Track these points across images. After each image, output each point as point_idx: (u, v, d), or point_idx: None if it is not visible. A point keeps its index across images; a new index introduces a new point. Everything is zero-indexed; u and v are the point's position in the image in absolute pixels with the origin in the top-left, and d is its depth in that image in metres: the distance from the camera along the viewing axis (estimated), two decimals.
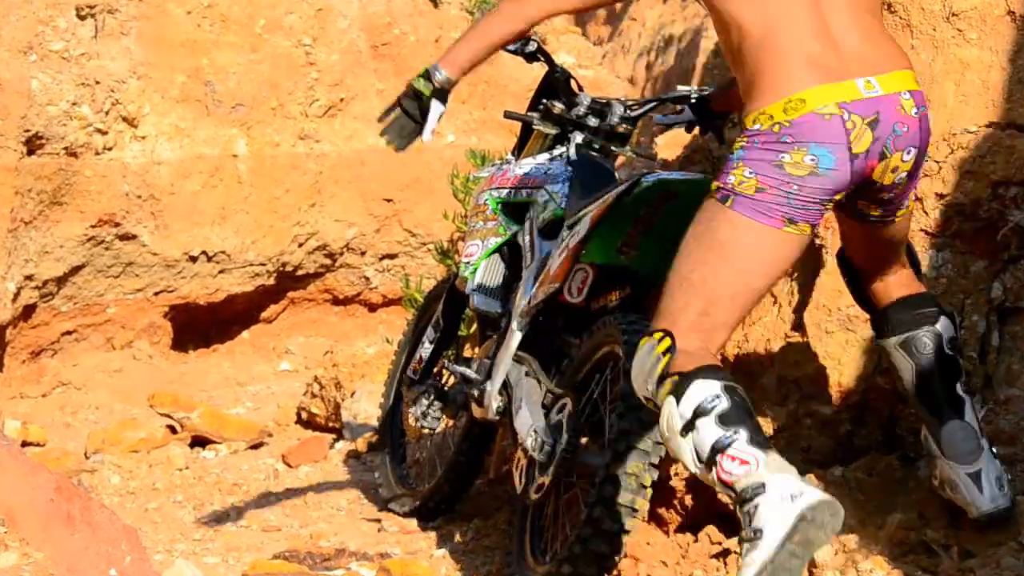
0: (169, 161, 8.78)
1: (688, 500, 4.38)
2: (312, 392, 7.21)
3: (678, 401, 3.33)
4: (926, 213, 4.14)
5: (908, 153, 3.44)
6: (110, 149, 8.51)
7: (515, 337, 4.46)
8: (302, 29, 9.48)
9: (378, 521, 5.39)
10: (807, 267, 4.35)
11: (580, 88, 4.93)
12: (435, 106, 3.96)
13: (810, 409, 4.21)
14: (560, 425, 4.17)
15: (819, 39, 3.42)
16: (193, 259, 8.96)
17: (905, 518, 3.78)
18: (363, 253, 9.66)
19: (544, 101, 4.85)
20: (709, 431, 3.28)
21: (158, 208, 8.72)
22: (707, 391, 3.31)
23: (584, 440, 4.19)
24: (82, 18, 8.40)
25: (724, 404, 3.30)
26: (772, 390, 4.27)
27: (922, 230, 4.13)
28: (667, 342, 3.40)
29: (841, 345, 4.18)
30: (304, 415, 7.21)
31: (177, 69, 8.84)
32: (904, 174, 3.48)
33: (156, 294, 8.93)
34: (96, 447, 6.63)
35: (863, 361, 4.14)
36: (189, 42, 8.92)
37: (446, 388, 5.13)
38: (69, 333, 8.61)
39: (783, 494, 3.19)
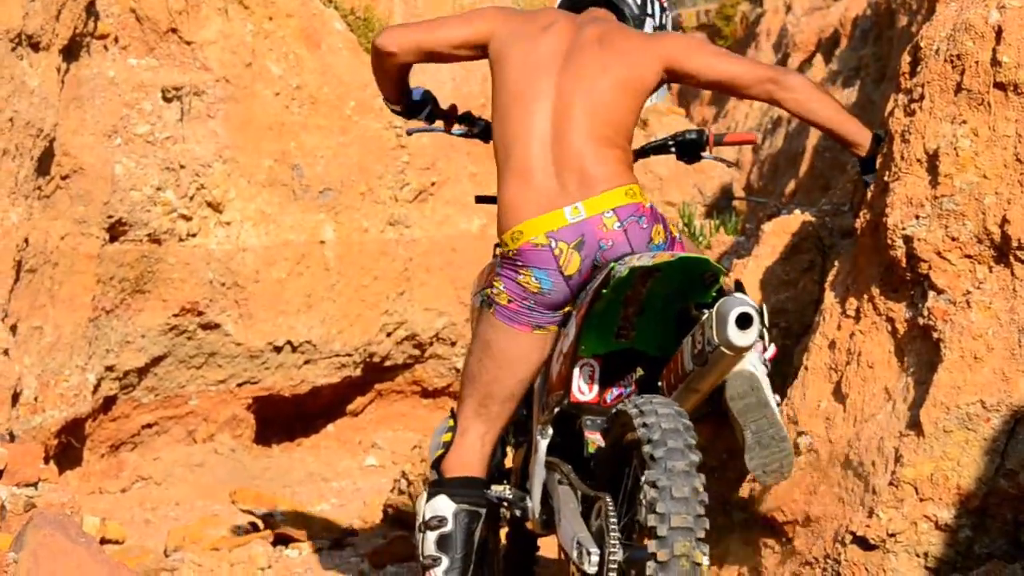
0: (254, 248, 8.88)
1: None
2: (400, 488, 7.23)
3: (426, 501, 4.50)
4: None
5: (647, 255, 4.16)
6: (194, 235, 8.62)
7: (541, 447, 4.55)
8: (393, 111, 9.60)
9: None
10: (923, 362, 4.33)
11: None
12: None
13: (927, 513, 4.17)
14: (601, 530, 4.16)
15: (540, 169, 4.31)
16: (278, 349, 9.03)
17: None
18: (454, 343, 9.71)
19: None
20: (428, 545, 4.45)
21: (242, 296, 8.81)
22: (443, 510, 4.46)
23: (632, 535, 4.18)
24: (168, 100, 8.55)
25: (447, 528, 4.45)
26: (886, 492, 4.24)
27: None
28: (450, 435, 4.55)
29: (960, 445, 4.14)
30: (391, 512, 7.23)
31: (264, 152, 8.96)
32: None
33: (239, 385, 9.01)
34: (176, 544, 6.69)
35: (984, 462, 4.10)
36: (277, 124, 9.04)
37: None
38: (150, 426, 8.70)
39: None
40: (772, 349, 4.35)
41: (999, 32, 4.24)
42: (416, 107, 4.96)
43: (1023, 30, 4.19)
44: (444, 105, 5.07)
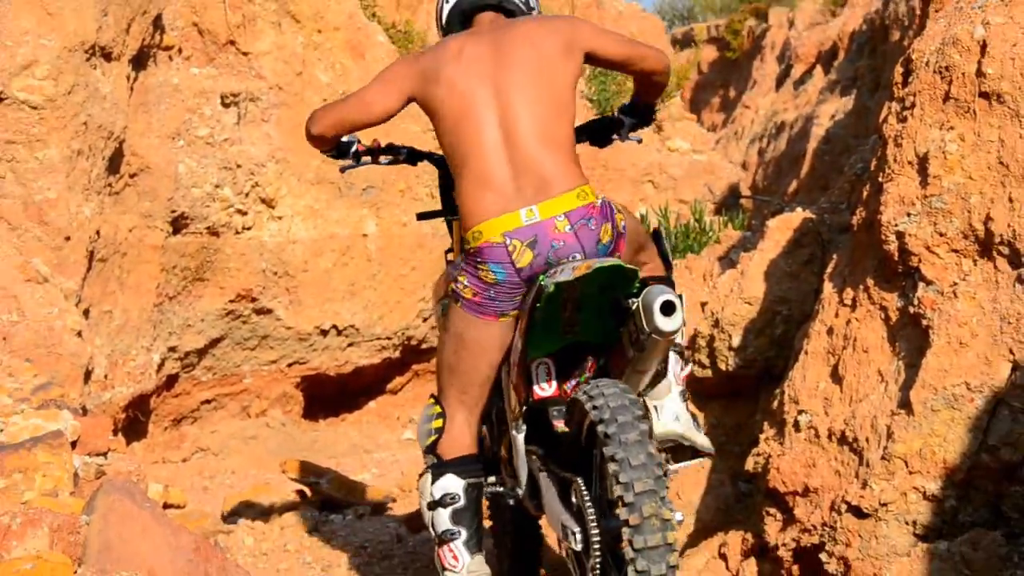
0: (303, 240, 8.90)
1: (795, 570, 4.36)
2: None
3: (432, 482, 4.54)
4: None
5: (574, 258, 4.28)
6: (249, 228, 8.64)
7: (518, 441, 4.56)
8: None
9: None
10: (913, 347, 4.32)
11: None
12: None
13: (916, 485, 4.17)
14: (579, 509, 4.20)
15: (497, 175, 4.34)
16: (324, 333, 9.05)
17: None
18: None
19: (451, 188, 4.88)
20: (443, 521, 4.49)
21: (292, 284, 8.83)
22: (452, 487, 4.51)
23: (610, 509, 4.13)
24: (226, 106, 8.56)
25: (460, 503, 4.51)
26: (879, 466, 4.24)
27: None
28: (440, 421, 4.57)
29: (947, 423, 4.14)
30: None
31: (313, 153, 8.96)
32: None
33: (289, 365, 9.03)
34: (232, 510, 6.72)
35: (968, 439, 4.10)
36: None
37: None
38: (208, 402, 8.72)
39: None
40: (688, 368, 4.47)
41: (984, 46, 4.23)
42: (343, 148, 4.89)
43: (1006, 44, 4.18)
44: (367, 141, 5.02)
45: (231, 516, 6.64)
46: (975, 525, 4.08)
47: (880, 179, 4.50)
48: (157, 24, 8.01)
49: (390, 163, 5.04)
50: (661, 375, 4.45)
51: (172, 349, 8.25)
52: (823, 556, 4.32)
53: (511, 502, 4.82)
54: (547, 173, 4.34)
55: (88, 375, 6.19)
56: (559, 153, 4.38)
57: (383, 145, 5.06)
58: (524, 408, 4.50)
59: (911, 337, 4.36)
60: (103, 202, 7.17)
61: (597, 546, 4.10)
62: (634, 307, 4.20)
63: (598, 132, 5.09)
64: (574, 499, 4.26)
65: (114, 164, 7.32)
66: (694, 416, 4.42)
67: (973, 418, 4.08)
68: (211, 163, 8.31)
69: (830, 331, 4.70)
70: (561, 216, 4.30)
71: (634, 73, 4.75)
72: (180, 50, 8.51)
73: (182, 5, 8.53)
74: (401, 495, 7.21)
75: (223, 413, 8.80)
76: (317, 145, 4.74)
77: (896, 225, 4.36)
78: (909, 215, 4.34)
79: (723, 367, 5.62)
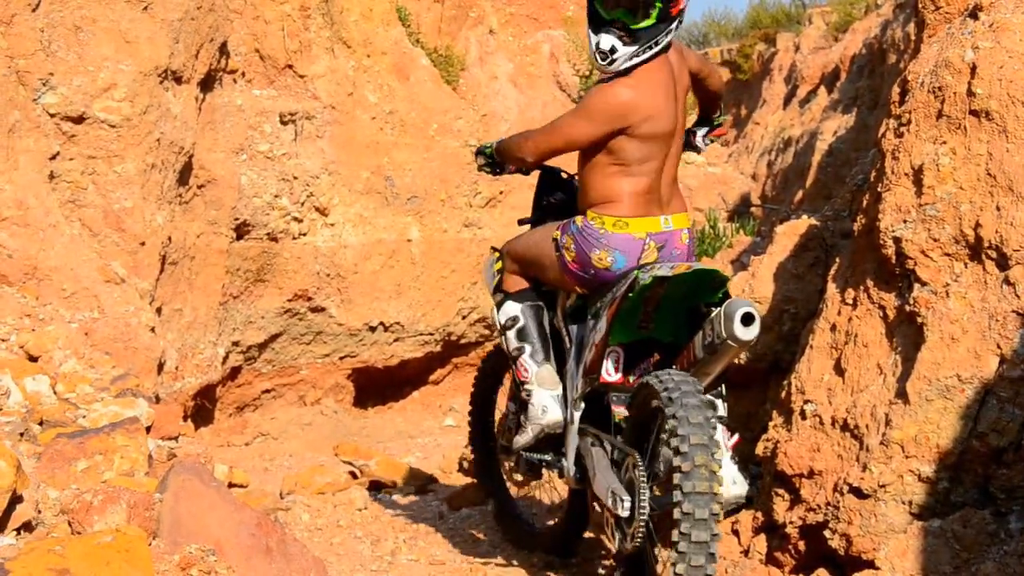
0: (354, 245, 8.92)
1: (801, 545, 4.34)
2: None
3: (498, 310, 4.90)
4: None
5: (667, 265, 4.43)
6: (304, 235, 8.67)
7: (575, 418, 4.67)
8: (469, 132, 9.61)
9: (534, 557, 5.41)
10: (909, 342, 4.30)
11: (570, 175, 5.06)
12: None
13: (912, 468, 4.15)
14: (632, 481, 4.25)
15: (653, 184, 4.55)
16: (372, 329, 9.06)
17: (996, 566, 3.71)
18: None
19: (546, 198, 5.12)
20: (511, 340, 4.82)
21: (344, 285, 8.85)
22: (512, 311, 4.85)
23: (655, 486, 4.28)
24: (284, 124, 8.60)
25: (521, 323, 4.82)
26: (877, 451, 4.22)
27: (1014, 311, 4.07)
28: (500, 264, 4.97)
29: (940, 411, 4.12)
30: (465, 464, 7.25)
31: (362, 166, 9.00)
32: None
33: (341, 359, 9.05)
34: (290, 489, 6.72)
35: (959, 426, 4.08)
36: (373, 143, 9.08)
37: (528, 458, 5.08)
38: (268, 391, 8.75)
39: (539, 407, 4.74)
40: (735, 438, 4.52)
41: (974, 68, 4.21)
42: (499, 164, 5.04)
43: (993, 67, 4.16)
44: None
45: (289, 495, 6.64)
46: (966, 504, 4.06)
47: (879, 189, 4.48)
48: (223, 50, 8.05)
49: (519, 172, 5.11)
50: (719, 382, 4.49)
51: (236, 343, 8.28)
52: (827, 533, 4.30)
53: (555, 470, 4.87)
54: (677, 192, 4.72)
55: (161, 367, 6.23)
56: (678, 185, 4.77)
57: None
58: (589, 388, 4.58)
59: (907, 333, 4.34)
60: (174, 211, 7.21)
61: (644, 514, 4.16)
62: (714, 314, 4.23)
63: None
64: (626, 472, 4.30)
65: (184, 177, 7.36)
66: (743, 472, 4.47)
67: (964, 407, 4.06)
68: (271, 175, 8.34)
69: (833, 328, 4.69)
70: (685, 230, 4.65)
71: (711, 98, 5.08)
72: (243, 73, 8.55)
73: (245, 33, 8.57)
74: (443, 476, 7.22)
75: (281, 401, 8.83)
76: (521, 166, 4.95)
77: (894, 231, 4.35)
78: (905, 222, 4.32)
79: (735, 360, 5.60)
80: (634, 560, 4.34)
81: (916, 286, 4.29)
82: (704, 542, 3.87)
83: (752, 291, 5.59)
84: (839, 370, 4.59)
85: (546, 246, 4.72)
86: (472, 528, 6.00)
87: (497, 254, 5.05)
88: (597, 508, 4.59)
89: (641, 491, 4.17)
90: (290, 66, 8.80)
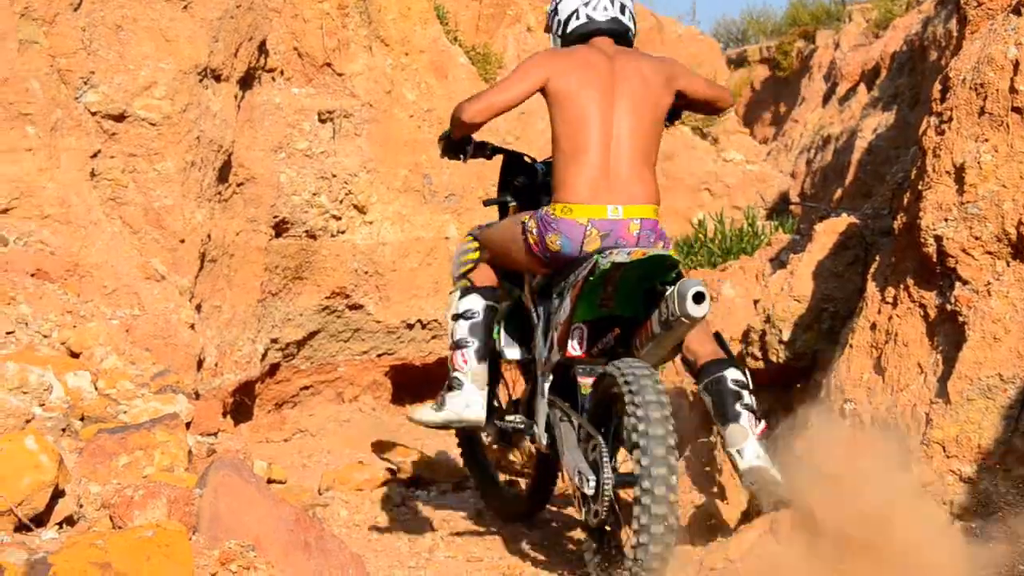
0: (392, 243, 8.93)
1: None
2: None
3: (459, 298, 5.22)
4: None
5: (624, 251, 4.77)
6: (343, 232, 8.68)
7: (544, 388, 5.12)
8: (507, 130, 9.61)
9: (571, 554, 5.41)
10: (950, 342, 4.28)
11: (533, 159, 5.69)
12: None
13: (953, 468, 4.13)
14: (596, 462, 4.63)
15: (599, 170, 4.90)
16: (410, 326, 9.07)
17: None
18: None
19: (510, 181, 5.72)
20: (461, 330, 5.16)
21: (382, 283, 8.86)
22: (474, 305, 5.17)
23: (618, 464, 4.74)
24: (323, 122, 8.62)
25: (476, 319, 5.15)
26: (918, 450, 4.20)
27: None
28: (475, 254, 5.35)
29: (981, 411, 4.10)
30: (502, 462, 7.25)
31: (400, 164, 9.01)
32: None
33: (379, 356, 9.06)
34: (328, 485, 6.75)
35: (1001, 426, 4.06)
36: (411, 141, 9.09)
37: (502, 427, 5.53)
38: (306, 388, 8.78)
39: (463, 400, 5.08)
40: (762, 425, 4.88)
41: (1016, 65, 4.18)
42: (457, 147, 5.57)
43: None
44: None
45: (327, 491, 6.68)
46: (1007, 505, 4.03)
47: (920, 187, 4.46)
48: (262, 49, 8.09)
49: (482, 156, 5.66)
50: (674, 353, 5.04)
51: (274, 340, 8.31)
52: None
53: (527, 436, 5.30)
54: (636, 182, 4.95)
55: (200, 363, 6.27)
56: (648, 170, 5.00)
57: (479, 142, 5.64)
58: (556, 362, 4.99)
59: (948, 332, 4.32)
60: (213, 208, 7.25)
61: (607, 494, 4.52)
62: (668, 293, 4.65)
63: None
64: (592, 453, 4.68)
65: (223, 174, 7.40)
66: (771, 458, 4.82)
67: (1006, 407, 4.04)
68: (309, 173, 8.37)
69: (873, 326, 4.67)
70: (636, 220, 4.91)
71: (711, 110, 5.45)
72: (282, 72, 8.58)
73: (284, 31, 8.60)
74: None
75: (320, 398, 8.85)
76: (465, 131, 5.34)
77: (935, 229, 4.32)
78: (946, 220, 4.30)
79: (774, 359, 5.59)
80: (601, 532, 4.73)
81: (957, 285, 4.27)
82: (663, 515, 4.29)
83: (791, 289, 5.57)
84: (879, 369, 4.57)
85: (516, 230, 5.13)
86: (525, 526, 6.01)
87: (472, 242, 5.49)
88: (567, 478, 4.93)
89: (605, 472, 4.53)
90: (328, 64, 8.82)
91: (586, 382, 4.96)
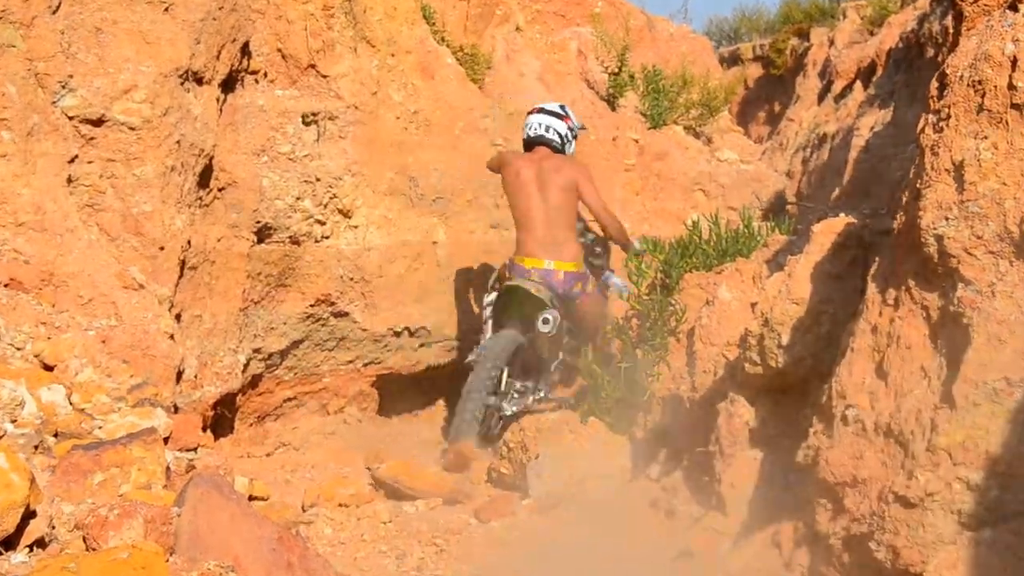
0: (378, 247, 8.89)
1: (845, 557, 4.27)
2: (501, 454, 7.20)
3: (488, 296, 8.32)
4: None
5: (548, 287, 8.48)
6: (327, 237, 8.65)
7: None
8: (495, 131, 9.58)
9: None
10: (954, 344, 4.23)
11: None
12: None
13: (960, 475, 4.07)
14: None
15: (538, 236, 8.38)
16: (397, 334, 9.04)
17: None
18: None
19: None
20: (487, 312, 8.38)
21: (368, 289, 8.83)
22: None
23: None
24: (307, 124, 8.59)
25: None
26: (923, 457, 4.15)
27: None
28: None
29: (988, 416, 4.04)
30: (494, 475, 7.21)
31: (386, 167, 8.98)
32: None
33: (365, 365, 9.02)
34: (312, 501, 6.68)
35: (1009, 430, 4.00)
36: (397, 143, 9.06)
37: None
38: (290, 400, 8.73)
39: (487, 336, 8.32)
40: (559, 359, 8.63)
41: (1014, 61, 4.14)
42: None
43: None
44: None
45: (311, 507, 6.61)
46: (1018, 514, 3.98)
47: (919, 186, 4.41)
48: (244, 50, 8.03)
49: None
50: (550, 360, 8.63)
51: (257, 350, 8.26)
52: (872, 544, 4.23)
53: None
54: (562, 245, 8.39)
55: (179, 375, 6.20)
56: (570, 235, 8.42)
57: None
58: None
59: (952, 335, 4.26)
60: (194, 214, 7.18)
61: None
62: (537, 317, 8.25)
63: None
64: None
65: (204, 179, 7.34)
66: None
67: (1013, 411, 3.98)
68: (293, 177, 8.33)
69: (874, 329, 4.62)
70: (562, 273, 8.36)
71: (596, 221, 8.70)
72: (265, 74, 8.53)
73: (267, 32, 8.54)
74: (471, 487, 7.17)
75: (304, 410, 8.81)
76: None
77: (935, 229, 4.28)
78: (947, 219, 4.25)
79: (773, 364, 5.54)
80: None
81: (960, 285, 4.22)
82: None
83: (789, 292, 5.51)
84: (881, 373, 4.52)
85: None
86: (502, 542, 5.94)
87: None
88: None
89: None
90: (313, 66, 8.78)
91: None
